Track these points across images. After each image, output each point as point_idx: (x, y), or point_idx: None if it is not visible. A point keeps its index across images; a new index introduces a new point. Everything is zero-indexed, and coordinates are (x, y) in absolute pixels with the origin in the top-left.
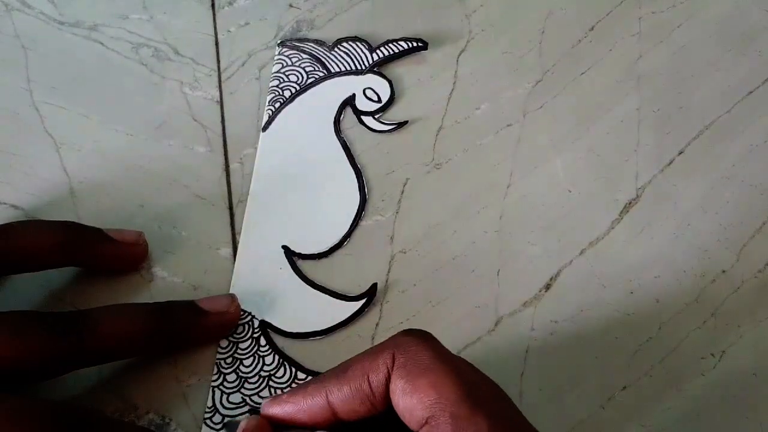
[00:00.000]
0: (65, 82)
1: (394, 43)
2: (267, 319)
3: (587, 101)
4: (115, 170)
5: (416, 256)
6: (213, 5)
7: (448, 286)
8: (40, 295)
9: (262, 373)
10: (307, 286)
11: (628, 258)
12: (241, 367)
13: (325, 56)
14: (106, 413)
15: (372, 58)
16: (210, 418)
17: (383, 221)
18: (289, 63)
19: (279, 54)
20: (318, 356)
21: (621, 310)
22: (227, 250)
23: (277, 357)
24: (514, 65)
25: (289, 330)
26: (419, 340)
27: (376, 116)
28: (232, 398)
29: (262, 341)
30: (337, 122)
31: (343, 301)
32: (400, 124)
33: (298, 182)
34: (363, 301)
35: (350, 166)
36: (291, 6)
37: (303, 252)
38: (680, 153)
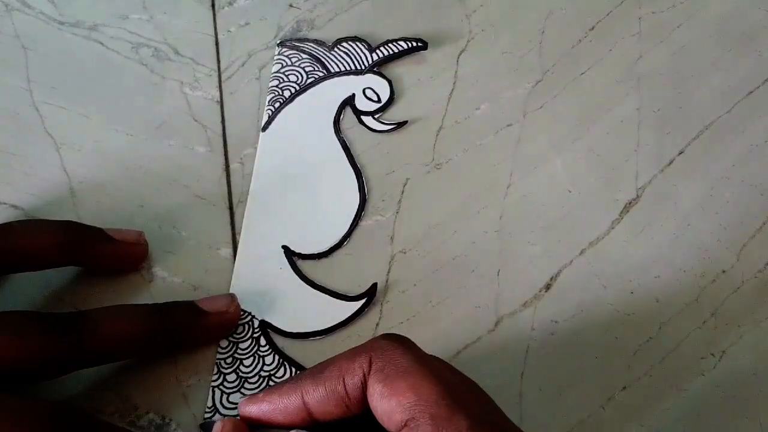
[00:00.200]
0: (65, 82)
1: (394, 43)
2: (267, 319)
3: (587, 101)
4: (115, 170)
5: (416, 256)
6: (213, 5)
7: (448, 286)
8: (40, 295)
9: (262, 373)
10: (307, 286)
11: (628, 258)
12: (241, 367)
13: (324, 56)
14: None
15: (372, 58)
16: (210, 418)
17: (383, 221)
18: (289, 63)
19: (279, 54)
20: (318, 356)
21: (621, 310)
22: (227, 250)
23: (277, 357)
24: (514, 65)
25: (289, 330)
26: (396, 344)
27: (376, 116)
28: (232, 398)
29: (262, 341)
30: (336, 122)
31: (343, 301)
32: (400, 124)
33: (298, 182)
34: (363, 301)
35: (350, 166)
36: (291, 6)
37: (303, 252)
38: (680, 153)
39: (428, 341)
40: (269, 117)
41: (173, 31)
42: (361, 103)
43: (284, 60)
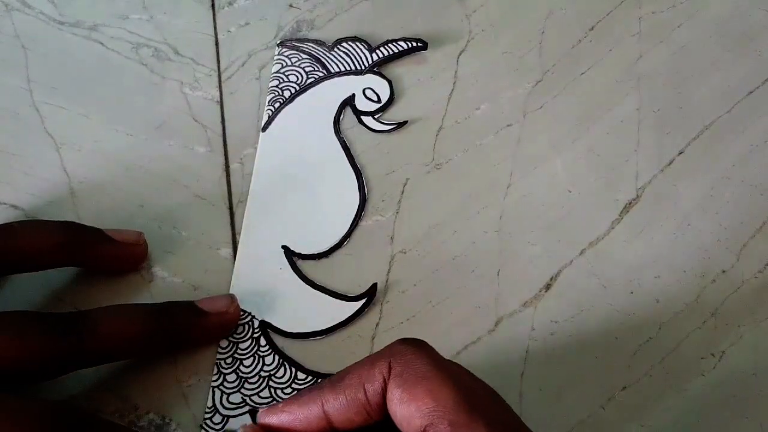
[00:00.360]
0: (65, 82)
1: (394, 43)
2: (267, 319)
3: (587, 101)
4: (115, 170)
5: (416, 256)
6: (213, 5)
7: (448, 286)
8: (40, 296)
9: (262, 374)
10: (307, 286)
11: (628, 258)
12: (241, 368)
13: (324, 56)
14: (105, 414)
15: (372, 58)
16: (210, 419)
17: (383, 221)
18: (289, 63)
19: (279, 54)
20: (318, 356)
21: (621, 310)
22: (227, 250)
23: (277, 357)
24: (514, 65)
25: (289, 330)
26: (415, 349)
27: (376, 116)
28: (232, 398)
29: (262, 341)
30: (336, 122)
31: (343, 301)
32: (400, 124)
33: (298, 182)
34: (363, 301)
35: (350, 166)
36: (291, 6)
37: (303, 252)
38: (680, 153)
39: (428, 341)
40: (269, 117)
41: (173, 31)
42: (361, 103)
43: (284, 60)
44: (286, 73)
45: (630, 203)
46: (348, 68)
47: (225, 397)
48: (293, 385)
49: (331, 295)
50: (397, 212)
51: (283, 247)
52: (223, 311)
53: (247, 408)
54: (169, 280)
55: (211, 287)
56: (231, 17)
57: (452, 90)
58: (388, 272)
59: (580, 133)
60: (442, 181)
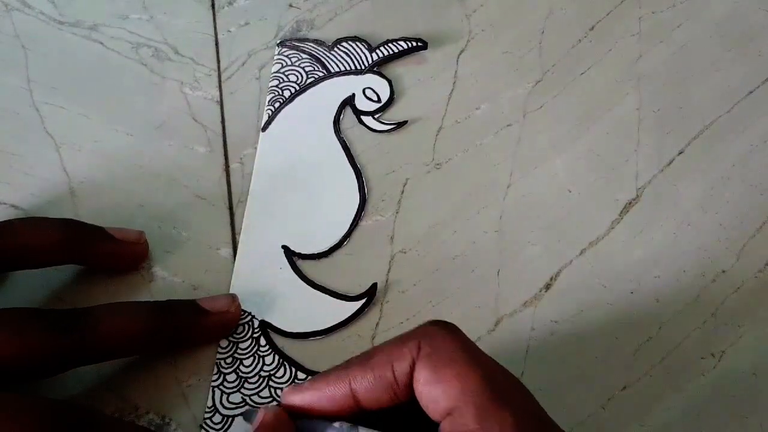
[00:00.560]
0: (65, 82)
1: (394, 43)
2: (267, 319)
3: (587, 101)
4: (115, 170)
5: (416, 256)
6: (213, 5)
7: (448, 286)
8: (40, 295)
9: (262, 373)
10: (307, 286)
11: (628, 258)
12: (241, 367)
13: (324, 56)
14: (105, 413)
15: (372, 58)
16: (210, 418)
17: (383, 221)
18: (289, 63)
19: (279, 54)
20: (318, 356)
21: (621, 310)
22: (227, 250)
23: (277, 357)
24: (514, 65)
25: (289, 330)
26: (445, 331)
27: (376, 116)
28: (232, 398)
29: (262, 341)
30: (336, 122)
31: (343, 301)
32: (400, 124)
33: (298, 182)
34: (363, 301)
35: (350, 166)
36: (291, 6)
37: (303, 252)
38: (680, 153)
39: None
40: (269, 117)
41: (173, 31)
42: (361, 103)
43: (284, 60)
44: (286, 73)
45: (630, 203)
46: (348, 68)
47: (225, 397)
48: (290, 385)
49: (331, 295)
50: (397, 212)
51: (283, 247)
52: (224, 310)
53: (247, 408)
54: (169, 280)
55: (211, 287)
56: (231, 17)
57: (452, 90)
58: (388, 272)
59: (580, 133)
60: (442, 181)
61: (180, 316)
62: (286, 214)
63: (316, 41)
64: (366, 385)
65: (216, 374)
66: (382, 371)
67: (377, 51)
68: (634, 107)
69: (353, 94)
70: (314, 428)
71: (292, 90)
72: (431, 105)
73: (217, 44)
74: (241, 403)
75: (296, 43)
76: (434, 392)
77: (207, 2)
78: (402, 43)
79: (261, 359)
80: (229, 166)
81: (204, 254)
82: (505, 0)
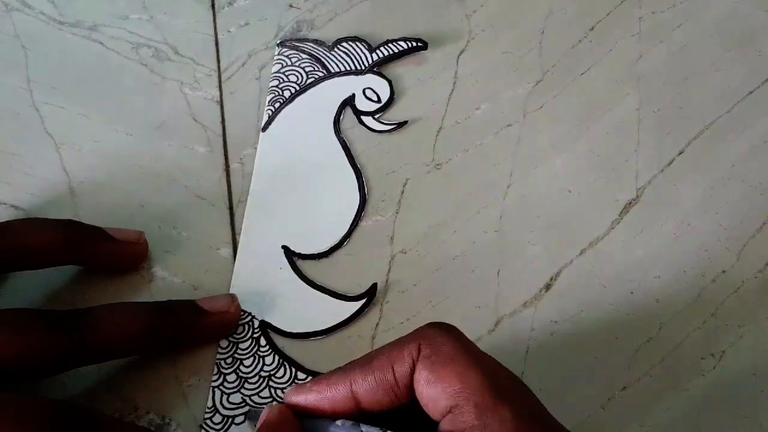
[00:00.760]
0: (65, 82)
1: (394, 43)
2: (267, 319)
3: (587, 101)
4: (115, 170)
5: (416, 256)
6: (213, 5)
7: (448, 286)
8: (40, 295)
9: (262, 374)
10: (307, 286)
11: (628, 258)
12: (241, 368)
13: (324, 56)
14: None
15: (372, 58)
16: (210, 419)
17: (383, 221)
18: (289, 63)
19: (279, 54)
20: (318, 356)
21: (621, 310)
22: (227, 250)
23: (277, 357)
24: (514, 65)
25: (289, 330)
26: (445, 333)
27: (376, 116)
28: (232, 398)
29: (262, 341)
30: (336, 122)
31: (343, 301)
32: (400, 124)
33: (298, 182)
34: (363, 301)
35: (350, 166)
36: (291, 6)
37: (303, 252)
38: (680, 153)
39: None
40: (269, 117)
41: (173, 31)
42: (361, 103)
43: (284, 60)
44: (286, 73)
45: (630, 203)
46: (348, 68)
47: (225, 397)
48: (293, 385)
49: (331, 295)
50: (397, 212)
51: (283, 247)
52: (224, 310)
53: (247, 408)
54: (169, 280)
55: (211, 287)
56: (231, 17)
57: (452, 90)
58: (388, 272)
59: (580, 133)
60: (442, 181)
61: (180, 316)
62: (286, 214)
63: (316, 41)
64: (367, 388)
65: (216, 374)
66: (382, 373)
67: (377, 51)
68: (634, 107)
69: (353, 95)
70: (316, 426)
71: (292, 90)
72: (431, 105)
73: (217, 44)
74: (241, 403)
75: (296, 44)
76: (434, 391)
77: (207, 2)
78: (402, 43)
79: (261, 359)
80: (229, 166)
81: (204, 254)
82: (505, 0)
